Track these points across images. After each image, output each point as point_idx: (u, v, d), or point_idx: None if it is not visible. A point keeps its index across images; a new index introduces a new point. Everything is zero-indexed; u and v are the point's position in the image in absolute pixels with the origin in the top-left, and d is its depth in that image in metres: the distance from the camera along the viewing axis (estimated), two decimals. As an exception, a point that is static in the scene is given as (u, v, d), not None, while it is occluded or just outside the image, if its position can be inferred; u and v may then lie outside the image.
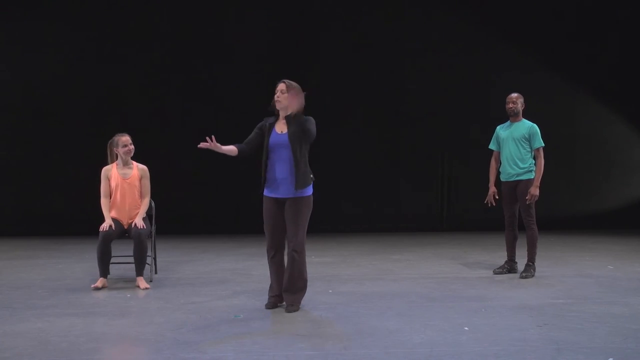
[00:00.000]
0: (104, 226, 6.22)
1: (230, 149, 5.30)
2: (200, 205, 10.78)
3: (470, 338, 4.52)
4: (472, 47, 11.24)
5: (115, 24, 10.68)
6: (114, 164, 6.48)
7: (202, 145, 5.17)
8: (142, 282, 6.30)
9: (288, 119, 5.25)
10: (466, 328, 4.77)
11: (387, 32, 11.18)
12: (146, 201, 6.50)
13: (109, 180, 6.42)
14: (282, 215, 5.30)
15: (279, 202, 5.29)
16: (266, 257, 5.47)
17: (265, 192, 5.34)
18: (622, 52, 11.42)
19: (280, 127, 5.29)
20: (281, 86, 5.26)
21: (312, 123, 5.25)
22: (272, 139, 5.27)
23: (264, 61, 10.60)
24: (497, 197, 7.04)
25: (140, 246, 6.22)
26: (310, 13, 11.04)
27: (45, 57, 10.57)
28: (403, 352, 4.22)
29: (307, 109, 5.32)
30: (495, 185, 7.08)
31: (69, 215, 10.42)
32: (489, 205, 7.07)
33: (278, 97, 5.26)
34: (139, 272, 6.33)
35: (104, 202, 6.40)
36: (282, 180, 5.24)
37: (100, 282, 6.26)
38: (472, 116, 11.00)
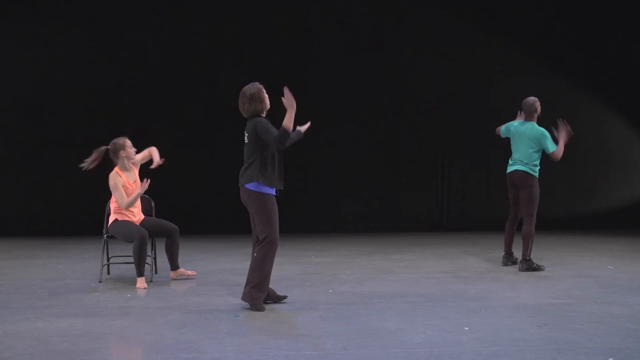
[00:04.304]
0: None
1: None
2: (200, 205, 10.77)
3: (470, 338, 4.52)
4: (473, 47, 11.21)
5: (115, 23, 10.67)
6: (117, 169, 6.40)
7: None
8: (186, 272, 6.64)
9: None
10: (466, 328, 4.77)
11: (386, 31, 11.17)
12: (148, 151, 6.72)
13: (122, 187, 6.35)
14: None
15: None
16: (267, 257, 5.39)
17: (273, 192, 5.38)
18: (623, 52, 11.40)
19: None
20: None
21: None
22: None
23: (264, 61, 10.58)
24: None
25: (174, 240, 6.49)
26: (308, 13, 11.03)
27: (46, 56, 10.56)
28: (403, 352, 4.22)
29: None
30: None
31: (69, 215, 10.41)
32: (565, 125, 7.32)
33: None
34: (176, 266, 6.59)
35: (127, 200, 6.29)
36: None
37: (143, 281, 6.26)
38: (472, 116, 10.99)
